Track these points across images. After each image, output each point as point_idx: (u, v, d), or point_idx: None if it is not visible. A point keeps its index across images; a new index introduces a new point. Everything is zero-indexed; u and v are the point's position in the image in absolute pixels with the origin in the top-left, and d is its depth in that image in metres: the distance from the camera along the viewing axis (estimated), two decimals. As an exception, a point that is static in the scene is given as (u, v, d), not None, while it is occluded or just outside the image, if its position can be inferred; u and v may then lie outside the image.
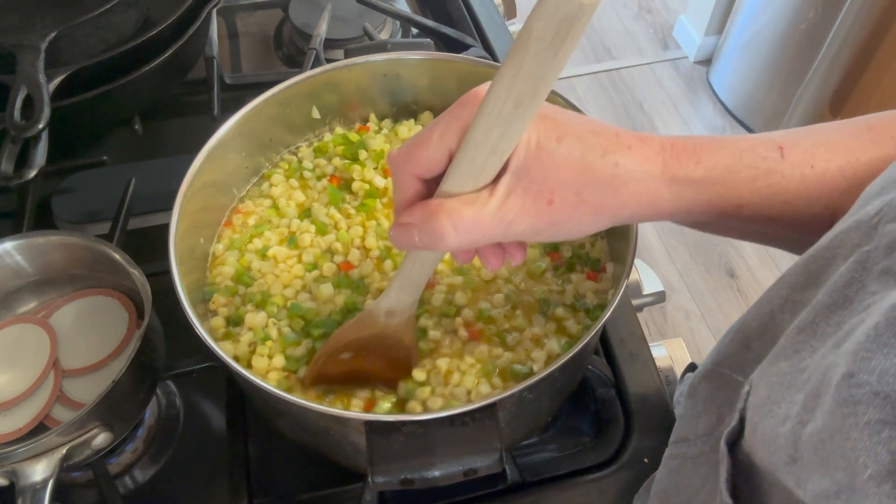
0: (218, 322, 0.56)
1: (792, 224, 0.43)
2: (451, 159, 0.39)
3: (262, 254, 0.59)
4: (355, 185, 0.63)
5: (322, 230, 0.60)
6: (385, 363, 0.52)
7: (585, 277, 0.58)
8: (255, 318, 0.55)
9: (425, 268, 0.46)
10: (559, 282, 0.57)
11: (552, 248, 0.59)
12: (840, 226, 0.35)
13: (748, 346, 0.41)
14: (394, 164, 0.40)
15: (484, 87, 0.37)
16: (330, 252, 0.59)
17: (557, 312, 0.55)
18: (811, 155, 0.41)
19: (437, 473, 0.43)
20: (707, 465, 0.43)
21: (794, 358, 0.33)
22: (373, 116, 0.68)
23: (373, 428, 0.44)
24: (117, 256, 0.57)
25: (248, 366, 0.53)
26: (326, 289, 0.56)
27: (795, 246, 0.46)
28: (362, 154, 0.65)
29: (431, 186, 0.41)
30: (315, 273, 0.58)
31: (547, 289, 0.57)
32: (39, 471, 0.49)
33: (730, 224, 0.44)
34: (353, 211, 0.62)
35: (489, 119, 0.36)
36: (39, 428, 0.54)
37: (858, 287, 0.31)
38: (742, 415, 0.36)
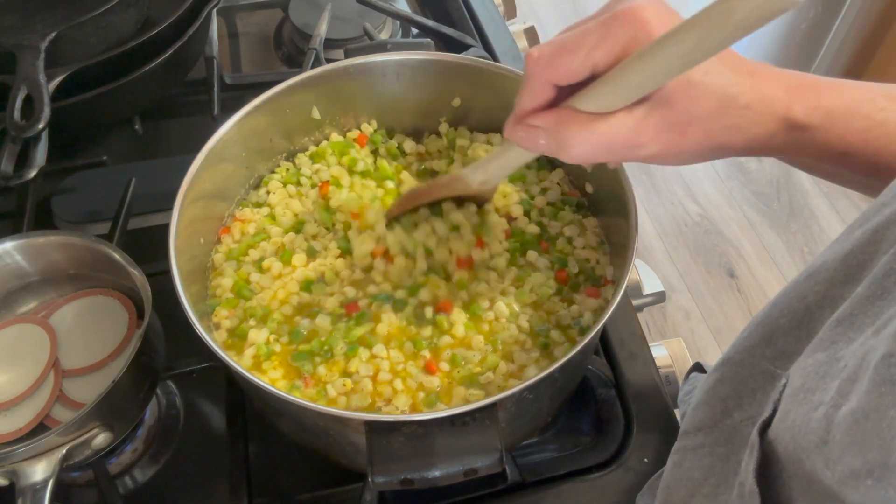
0: (222, 336, 0.56)
1: (894, 175, 0.43)
2: (592, 74, 0.39)
3: (259, 266, 0.59)
4: (333, 202, 0.63)
5: (311, 253, 0.60)
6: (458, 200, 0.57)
7: (587, 295, 0.57)
8: (257, 334, 0.55)
9: (517, 162, 0.50)
10: (564, 305, 0.57)
11: (560, 266, 0.59)
12: (877, 218, 0.35)
13: (771, 340, 0.41)
14: (534, 66, 0.40)
15: (641, 7, 0.37)
16: (323, 282, 0.59)
17: (552, 336, 0.55)
18: None
19: (437, 473, 0.43)
20: (711, 458, 0.43)
21: (830, 349, 0.33)
22: (374, 123, 0.68)
23: (373, 428, 0.44)
24: (117, 256, 0.57)
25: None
26: (323, 320, 0.56)
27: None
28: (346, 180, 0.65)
29: (560, 94, 0.41)
30: (312, 297, 0.58)
31: (544, 314, 0.56)
32: (39, 471, 0.49)
33: (830, 170, 0.45)
34: (334, 239, 0.61)
35: (654, 62, 0.36)
36: (39, 428, 0.54)
37: None
38: (776, 406, 0.36)
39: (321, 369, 0.53)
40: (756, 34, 0.33)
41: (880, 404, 0.27)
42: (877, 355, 0.29)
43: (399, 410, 0.51)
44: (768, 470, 0.36)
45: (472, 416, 0.44)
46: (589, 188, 0.63)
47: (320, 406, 0.48)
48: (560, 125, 0.40)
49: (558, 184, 0.65)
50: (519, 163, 0.51)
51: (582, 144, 0.39)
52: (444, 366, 0.53)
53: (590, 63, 0.38)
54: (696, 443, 0.44)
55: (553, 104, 0.41)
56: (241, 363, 0.54)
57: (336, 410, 0.47)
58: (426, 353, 0.54)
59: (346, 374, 0.53)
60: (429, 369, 0.53)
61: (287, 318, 0.57)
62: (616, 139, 0.39)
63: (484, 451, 0.44)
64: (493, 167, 0.52)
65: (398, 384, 0.52)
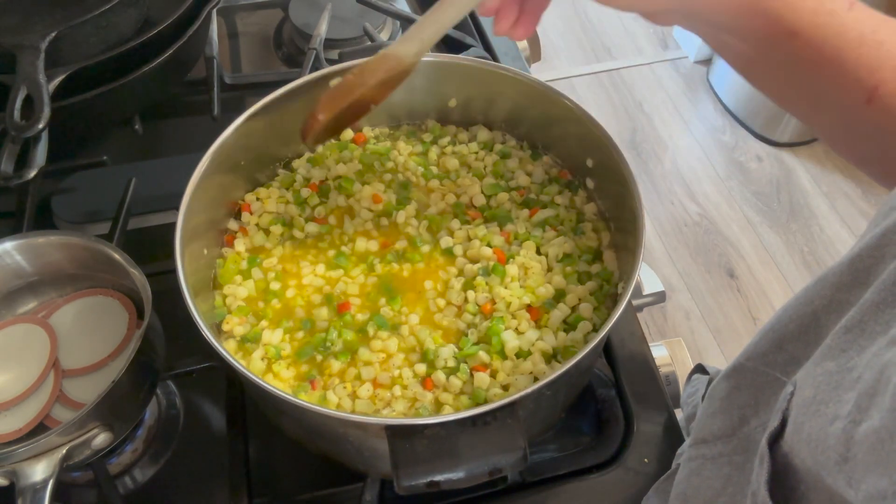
0: (231, 345, 0.56)
1: (834, 81, 0.43)
2: None
3: (274, 269, 0.59)
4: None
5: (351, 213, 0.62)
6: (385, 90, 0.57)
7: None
8: (271, 335, 0.55)
9: (455, 18, 0.51)
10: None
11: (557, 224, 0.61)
12: (886, 222, 0.35)
13: (781, 346, 0.41)
14: None
15: None
16: (347, 256, 0.59)
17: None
18: (878, 23, 0.42)
19: (461, 474, 0.43)
20: (729, 467, 0.42)
21: (841, 357, 0.33)
22: (376, 130, 0.69)
23: (395, 432, 0.44)
24: (117, 256, 0.57)
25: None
26: (321, 311, 0.56)
27: (829, 118, 0.47)
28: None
29: None
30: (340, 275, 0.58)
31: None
32: (39, 471, 0.49)
33: (778, 57, 0.45)
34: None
35: None
36: (39, 428, 0.54)
37: None
38: (784, 416, 0.35)
39: (334, 364, 0.53)
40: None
41: None
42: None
43: (397, 414, 0.51)
44: (785, 481, 0.35)
45: (493, 416, 0.44)
46: (590, 184, 0.63)
47: (341, 413, 0.47)
48: None
49: (546, 172, 0.65)
50: (456, 19, 0.51)
51: None
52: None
53: None
54: (716, 452, 0.44)
55: None
56: (250, 366, 0.53)
57: (358, 417, 0.47)
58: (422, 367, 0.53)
59: (343, 376, 0.53)
60: (426, 385, 0.53)
61: (309, 309, 0.56)
62: None
63: (507, 450, 0.44)
64: (427, 33, 0.52)
65: (396, 390, 0.52)
